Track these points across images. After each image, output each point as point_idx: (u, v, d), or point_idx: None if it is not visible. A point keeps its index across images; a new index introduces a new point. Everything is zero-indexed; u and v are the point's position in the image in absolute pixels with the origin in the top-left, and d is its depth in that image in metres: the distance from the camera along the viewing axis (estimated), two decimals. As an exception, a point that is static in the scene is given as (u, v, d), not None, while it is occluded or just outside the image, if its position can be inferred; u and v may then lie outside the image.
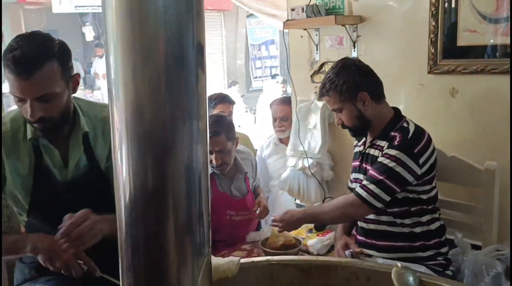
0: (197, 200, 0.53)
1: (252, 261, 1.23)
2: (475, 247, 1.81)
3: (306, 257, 1.70)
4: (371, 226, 1.76)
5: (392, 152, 1.62)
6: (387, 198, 1.62)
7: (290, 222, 1.79)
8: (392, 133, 1.68)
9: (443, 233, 1.75)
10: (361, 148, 1.84)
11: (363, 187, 1.64)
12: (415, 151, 1.62)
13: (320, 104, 2.56)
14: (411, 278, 1.10)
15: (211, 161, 2.10)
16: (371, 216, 1.74)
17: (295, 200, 2.98)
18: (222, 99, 3.07)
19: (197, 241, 0.54)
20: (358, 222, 1.83)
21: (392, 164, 1.60)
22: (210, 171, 2.15)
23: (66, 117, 1.31)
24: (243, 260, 1.19)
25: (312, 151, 2.56)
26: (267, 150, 3.20)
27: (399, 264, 1.15)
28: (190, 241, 0.54)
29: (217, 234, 2.01)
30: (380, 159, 1.65)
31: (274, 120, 3.11)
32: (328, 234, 2.20)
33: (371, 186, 1.62)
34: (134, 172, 0.51)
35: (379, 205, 1.62)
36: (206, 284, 0.55)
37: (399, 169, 1.60)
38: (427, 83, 2.05)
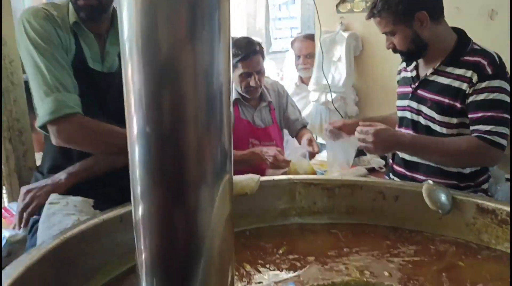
0: (218, 111, 0.47)
1: (273, 180, 1.17)
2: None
3: (330, 176, 1.63)
4: (416, 159, 1.61)
5: (495, 83, 1.45)
6: (509, 133, 1.46)
7: (386, 143, 1.48)
8: (469, 58, 1.50)
9: (487, 170, 1.63)
10: (414, 73, 1.65)
11: (489, 133, 1.43)
12: (508, 76, 1.48)
13: (345, 35, 2.43)
14: (443, 195, 1.03)
15: (248, 84, 2.03)
16: None
17: (316, 139, 2.90)
18: None
19: (218, 156, 0.48)
20: (399, 153, 1.69)
21: (500, 96, 1.44)
22: (236, 96, 2.13)
23: (109, 4, 1.33)
24: (263, 178, 1.13)
25: (336, 84, 2.45)
26: (288, 91, 3.10)
27: (430, 181, 1.07)
28: (210, 156, 0.48)
29: (240, 164, 1.96)
30: (483, 95, 1.44)
31: (297, 58, 2.98)
32: (352, 168, 2.13)
33: (499, 128, 1.43)
34: (147, 85, 0.44)
35: (505, 143, 1.45)
36: (227, 201, 0.50)
37: (507, 99, 1.45)
38: (463, 6, 1.90)
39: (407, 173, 1.66)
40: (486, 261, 0.94)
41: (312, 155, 1.99)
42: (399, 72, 1.78)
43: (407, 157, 1.65)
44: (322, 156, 2.53)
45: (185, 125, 0.45)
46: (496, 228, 0.98)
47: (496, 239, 0.98)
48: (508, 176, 1.74)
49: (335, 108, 2.46)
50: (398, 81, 1.77)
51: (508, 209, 0.96)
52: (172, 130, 0.45)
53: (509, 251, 0.96)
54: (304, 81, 2.99)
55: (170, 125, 0.45)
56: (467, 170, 1.56)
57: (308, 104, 2.85)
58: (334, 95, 2.45)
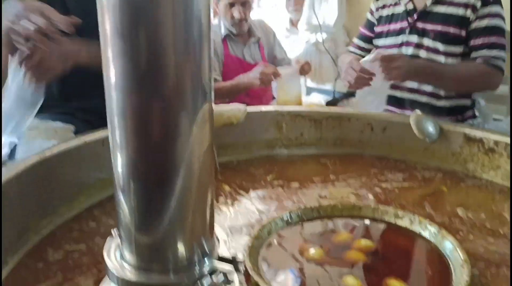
0: (197, 39, 0.43)
1: (260, 111, 1.15)
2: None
3: (317, 107, 1.61)
4: (412, 97, 1.62)
5: (496, 8, 1.50)
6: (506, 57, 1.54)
7: (405, 69, 1.44)
8: None
9: (474, 104, 1.68)
10: (410, 6, 1.61)
11: (494, 58, 1.49)
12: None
13: (337, -29, 2.34)
14: (431, 124, 1.02)
15: (232, 16, 2.00)
16: (414, 86, 1.60)
17: (305, 84, 2.87)
18: None
19: (197, 84, 0.45)
20: (394, 93, 1.67)
21: (500, 22, 1.50)
22: (226, 32, 2.08)
23: None
24: (250, 109, 1.11)
25: (327, 25, 2.39)
26: (279, 37, 3.02)
27: (418, 111, 1.06)
28: (189, 83, 0.45)
29: (229, 95, 1.94)
30: (485, 21, 1.49)
31: (288, -1, 2.89)
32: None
33: (501, 53, 1.50)
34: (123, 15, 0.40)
35: (505, 67, 1.52)
36: (206, 129, 0.48)
37: (504, 24, 1.52)
38: None
39: (397, 110, 1.65)
40: (470, 188, 0.94)
41: (302, 71, 1.98)
42: (376, 10, 1.74)
43: (405, 96, 1.64)
44: (311, 98, 2.51)
45: (164, 52, 0.42)
46: (482, 157, 0.98)
47: (482, 167, 0.98)
48: (496, 116, 1.74)
49: (326, 49, 2.41)
50: (377, 20, 1.73)
51: (495, 137, 0.96)
52: (150, 57, 0.42)
53: (494, 179, 0.96)
54: (294, 24, 2.91)
55: (148, 52, 0.42)
56: (452, 104, 1.60)
57: (298, 47, 2.79)
58: (324, 35, 2.39)
